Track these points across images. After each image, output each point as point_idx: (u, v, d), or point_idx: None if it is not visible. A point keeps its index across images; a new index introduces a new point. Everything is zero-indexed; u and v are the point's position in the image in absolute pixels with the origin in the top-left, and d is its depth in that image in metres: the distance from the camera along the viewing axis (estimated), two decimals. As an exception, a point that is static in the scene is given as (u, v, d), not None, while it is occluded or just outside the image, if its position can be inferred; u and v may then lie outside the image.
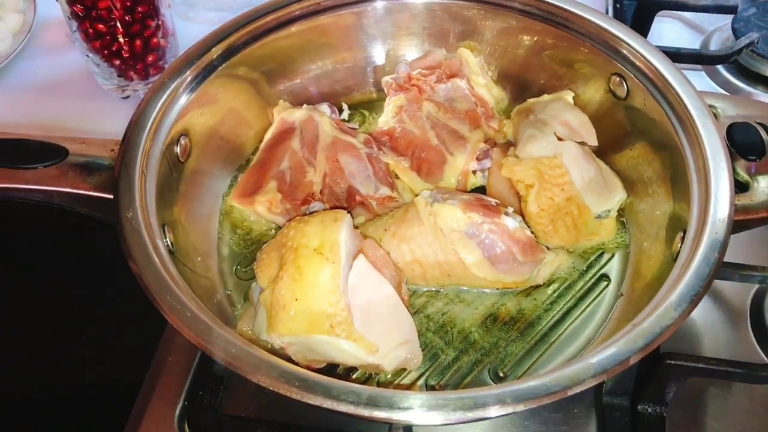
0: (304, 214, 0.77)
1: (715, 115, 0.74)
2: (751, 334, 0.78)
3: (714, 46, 1.11)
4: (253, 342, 0.64)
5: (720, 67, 1.07)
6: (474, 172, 0.84)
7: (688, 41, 1.14)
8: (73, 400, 0.81)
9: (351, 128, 0.89)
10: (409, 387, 0.69)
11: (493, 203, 0.74)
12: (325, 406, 0.52)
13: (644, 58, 0.77)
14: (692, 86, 0.73)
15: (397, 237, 0.73)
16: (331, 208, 0.79)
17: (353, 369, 0.70)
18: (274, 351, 0.65)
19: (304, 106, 0.88)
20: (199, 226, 0.79)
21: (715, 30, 1.14)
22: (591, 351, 0.66)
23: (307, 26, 0.87)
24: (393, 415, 0.52)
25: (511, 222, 0.72)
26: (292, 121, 0.87)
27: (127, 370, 0.79)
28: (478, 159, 0.83)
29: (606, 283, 0.77)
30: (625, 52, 0.79)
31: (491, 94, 0.92)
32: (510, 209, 0.75)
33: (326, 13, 0.87)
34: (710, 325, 0.78)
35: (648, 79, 0.77)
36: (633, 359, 0.55)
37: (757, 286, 0.80)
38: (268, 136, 0.87)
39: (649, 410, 0.70)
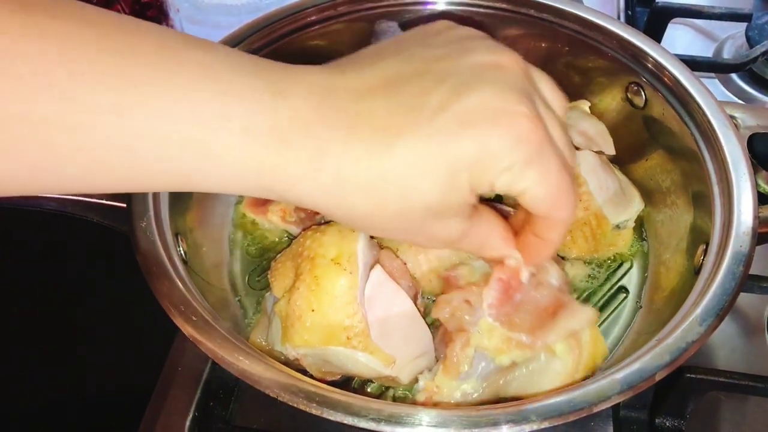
0: (319, 223, 0.76)
1: (736, 126, 0.73)
2: (769, 346, 0.77)
3: (727, 54, 1.11)
4: (266, 353, 0.63)
5: (734, 75, 1.06)
6: (490, 181, 0.82)
7: (701, 49, 1.13)
8: (80, 409, 0.80)
9: (364, 135, 0.88)
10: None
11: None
12: (345, 422, 0.51)
13: (663, 66, 0.76)
14: (713, 96, 0.72)
15: (414, 247, 0.72)
16: (346, 216, 0.78)
17: (368, 381, 0.69)
18: (288, 362, 0.64)
19: (317, 112, 0.87)
20: (212, 234, 0.78)
21: (727, 38, 1.14)
22: (612, 365, 0.65)
23: (319, 33, 0.86)
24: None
25: (530, 232, 0.71)
26: (305, 128, 0.85)
27: (137, 377, 0.78)
28: (494, 168, 0.82)
29: (624, 295, 0.76)
30: (642, 60, 0.78)
31: (505, 101, 0.90)
32: (528, 219, 0.73)
33: (340, 19, 0.86)
34: (727, 338, 0.77)
35: (667, 89, 0.75)
36: (659, 375, 0.54)
37: (775, 298, 0.79)
38: (280, 142, 0.86)
39: (668, 424, 0.69)
